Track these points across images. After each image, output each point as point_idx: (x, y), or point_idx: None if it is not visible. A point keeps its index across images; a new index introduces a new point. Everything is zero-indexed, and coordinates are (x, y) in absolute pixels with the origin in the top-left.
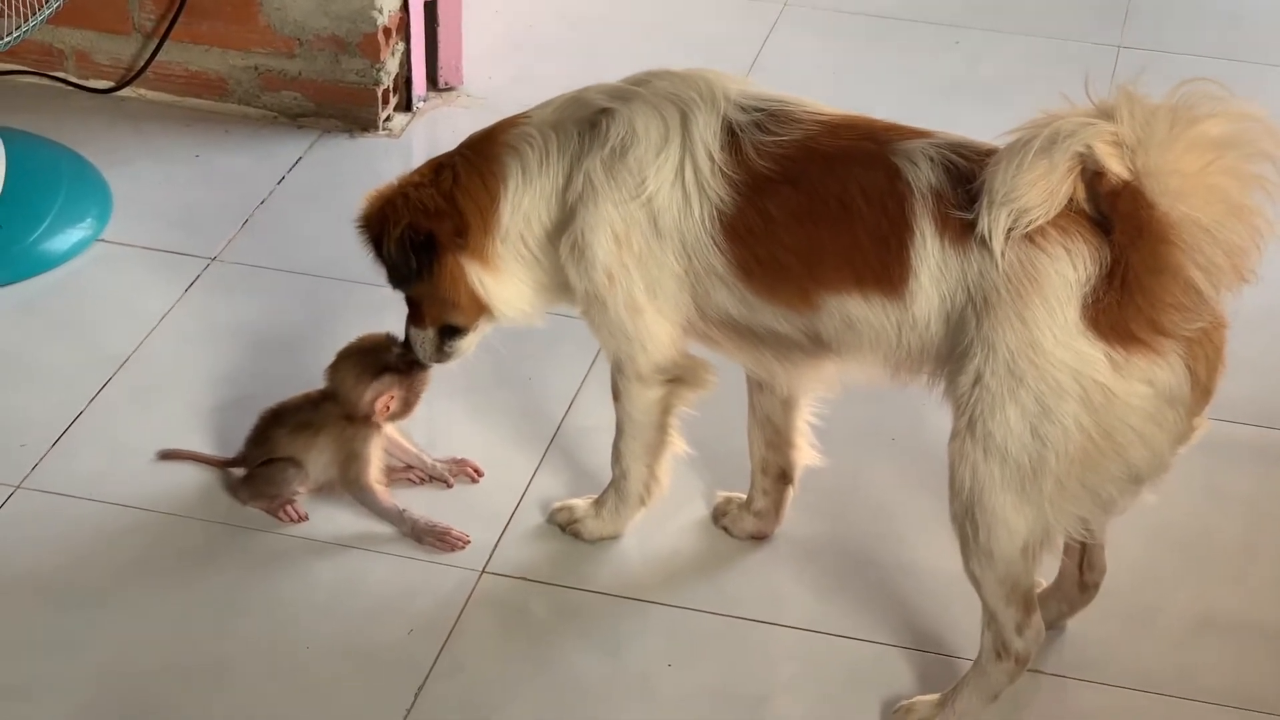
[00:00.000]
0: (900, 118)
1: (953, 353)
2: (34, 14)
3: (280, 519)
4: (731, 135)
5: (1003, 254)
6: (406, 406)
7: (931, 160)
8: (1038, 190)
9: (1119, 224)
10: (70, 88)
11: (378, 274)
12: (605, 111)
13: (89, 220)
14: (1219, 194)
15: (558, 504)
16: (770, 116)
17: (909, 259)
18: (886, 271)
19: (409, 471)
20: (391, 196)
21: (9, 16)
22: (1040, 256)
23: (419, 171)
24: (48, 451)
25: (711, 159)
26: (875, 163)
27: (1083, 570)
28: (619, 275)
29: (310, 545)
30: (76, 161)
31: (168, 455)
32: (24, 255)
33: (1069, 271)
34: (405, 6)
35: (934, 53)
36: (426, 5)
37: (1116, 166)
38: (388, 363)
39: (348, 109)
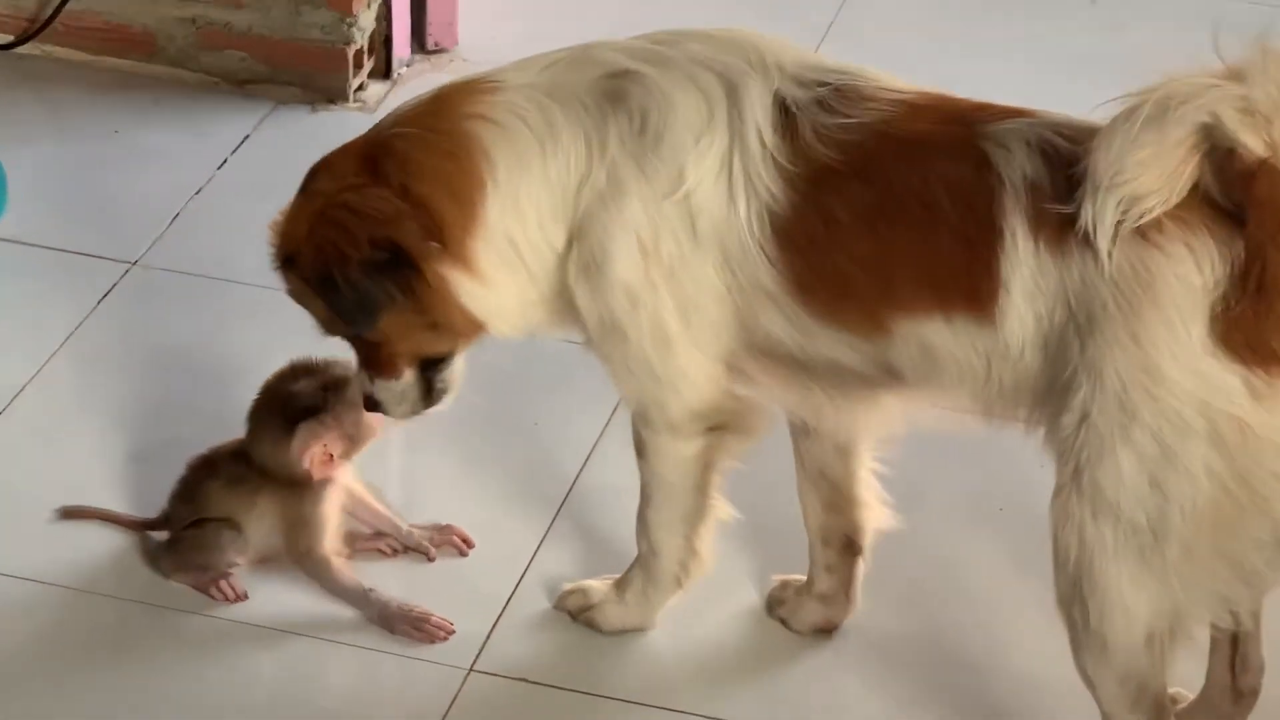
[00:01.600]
0: (1018, 100)
1: (1053, 387)
2: None
3: (212, 596)
4: (787, 116)
5: (1110, 254)
6: (353, 443)
7: (1028, 144)
8: (1151, 172)
9: (1255, 213)
10: None
11: (317, 318)
12: (628, 76)
13: None
14: None
15: (569, 585)
16: (835, 93)
17: (998, 269)
18: (973, 286)
19: (379, 540)
20: (322, 213)
21: None
22: (1156, 257)
23: (334, 171)
24: None
25: (764, 145)
26: (962, 151)
27: (1234, 671)
28: (644, 296)
29: (249, 631)
30: None
31: (71, 513)
32: None
33: (1193, 275)
34: None
35: (1062, 17)
36: None
37: (1251, 140)
38: (300, 405)
39: (310, 74)
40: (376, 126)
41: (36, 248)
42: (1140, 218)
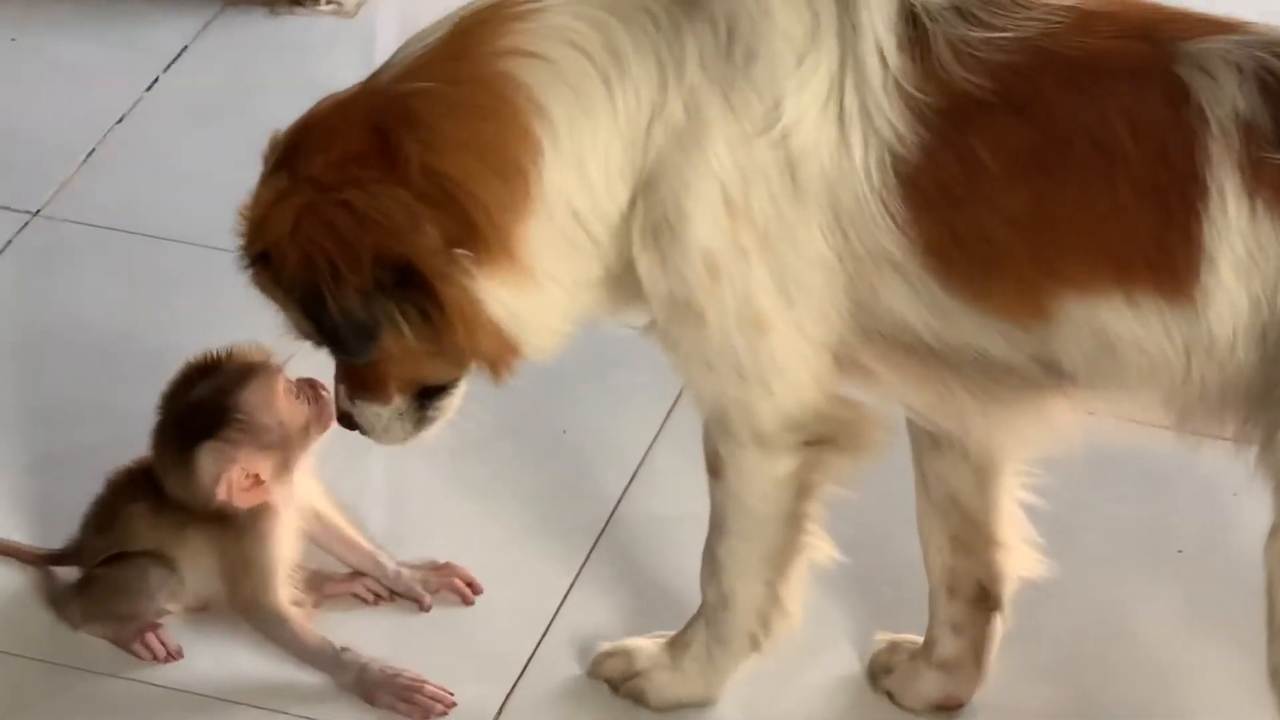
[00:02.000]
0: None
1: (1272, 393)
2: None
3: (136, 654)
4: (916, 27)
5: None
6: (286, 452)
7: (1239, 70)
8: None
9: None
10: None
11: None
12: None
13: None
14: None
15: (607, 646)
16: None
17: (1199, 236)
18: (1165, 257)
19: (355, 582)
20: (313, 209)
21: None
22: None
23: (331, 149)
24: None
25: (885, 67)
26: (1149, 76)
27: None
28: (730, 266)
29: (182, 700)
30: None
31: None
32: None
33: None
34: None
35: None
36: None
37: None
38: (197, 422)
39: None
40: (381, 76)
41: None
42: None
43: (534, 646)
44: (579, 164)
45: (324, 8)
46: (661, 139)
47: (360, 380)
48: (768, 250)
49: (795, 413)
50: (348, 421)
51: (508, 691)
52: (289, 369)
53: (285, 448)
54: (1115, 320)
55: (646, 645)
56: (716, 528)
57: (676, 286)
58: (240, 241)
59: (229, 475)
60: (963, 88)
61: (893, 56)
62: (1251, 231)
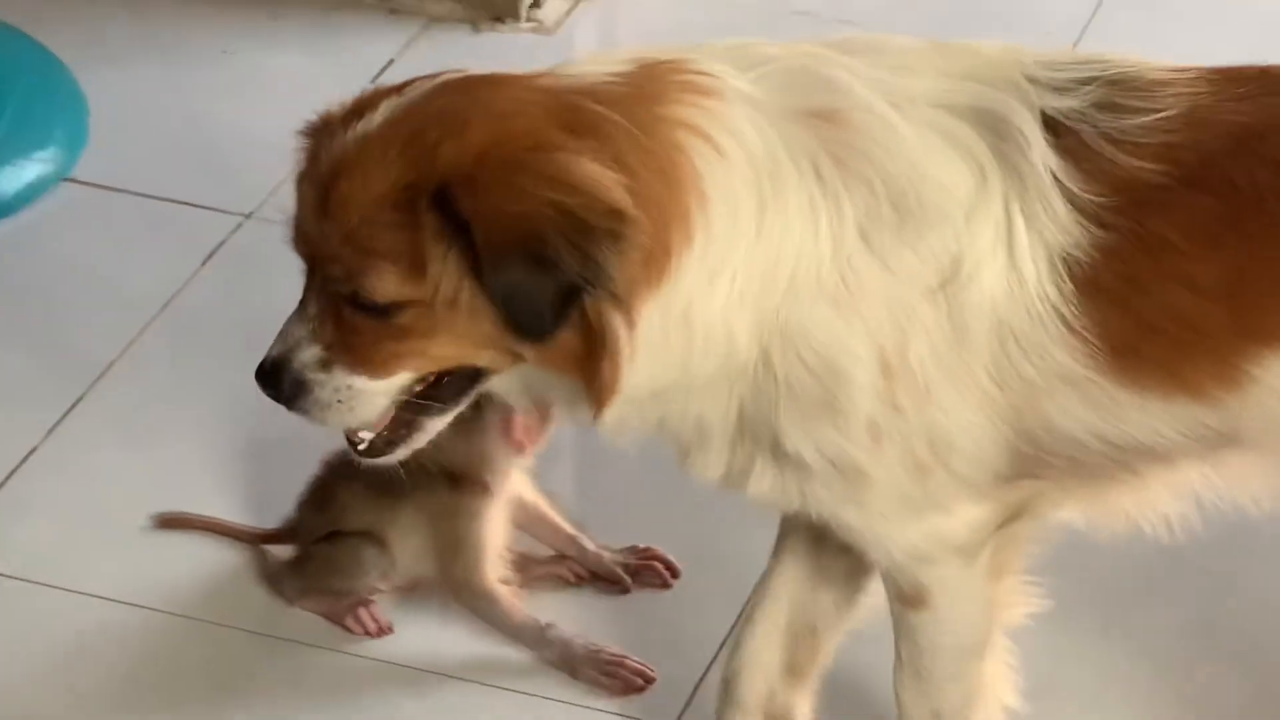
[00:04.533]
0: None
1: None
2: None
3: (348, 628)
4: (1067, 136)
5: None
6: (542, 419)
7: None
8: None
9: None
10: None
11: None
12: (856, 123)
13: (51, 149)
14: None
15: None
16: (1112, 88)
17: None
18: None
19: (559, 564)
20: (534, 165)
21: None
22: None
23: (528, 117)
24: None
25: (1057, 183)
26: None
27: None
28: (889, 425)
29: (393, 672)
30: (37, 56)
31: (169, 522)
32: None
33: None
34: None
35: None
36: None
37: None
38: None
39: None
40: (560, 82)
41: (125, 194)
42: None
43: (729, 628)
44: (713, 273)
45: (524, 25)
46: (807, 295)
47: (359, 345)
48: (926, 403)
49: (978, 516)
50: (269, 378)
51: (703, 672)
52: None
53: (542, 410)
54: None
55: None
56: (921, 666)
57: (836, 454)
58: (399, 162)
59: (517, 418)
60: (1135, 176)
61: (1060, 171)
62: None
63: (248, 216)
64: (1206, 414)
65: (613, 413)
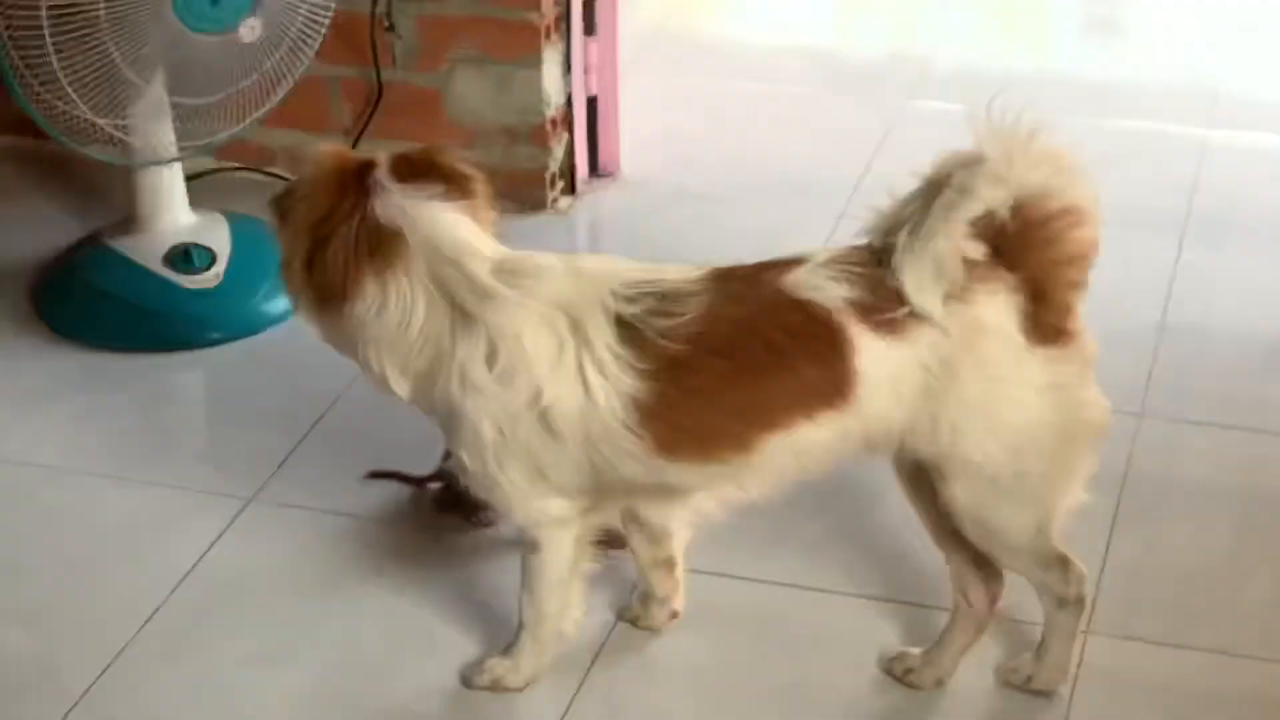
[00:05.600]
0: None
1: (914, 428)
2: (247, 117)
3: (476, 527)
4: (630, 329)
5: (944, 320)
6: None
7: (833, 279)
8: (951, 263)
9: (1025, 253)
10: (283, 181)
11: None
12: (488, 304)
13: None
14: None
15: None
16: (661, 299)
17: (855, 364)
18: (836, 386)
19: None
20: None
21: (226, 119)
22: (978, 308)
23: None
24: (273, 473)
25: (616, 357)
26: (778, 300)
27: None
28: (506, 459)
29: (496, 545)
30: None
31: (375, 475)
32: (247, 315)
33: (1005, 308)
34: (569, 102)
35: None
36: (588, 100)
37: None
38: None
39: (520, 190)
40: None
41: None
42: (958, 289)
43: None
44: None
45: (549, 212)
46: (444, 378)
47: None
48: (529, 455)
49: (569, 506)
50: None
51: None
52: None
53: None
54: (804, 436)
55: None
56: (533, 591)
57: (476, 470)
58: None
59: None
60: (673, 353)
61: (619, 350)
62: (882, 348)
63: None
64: (723, 470)
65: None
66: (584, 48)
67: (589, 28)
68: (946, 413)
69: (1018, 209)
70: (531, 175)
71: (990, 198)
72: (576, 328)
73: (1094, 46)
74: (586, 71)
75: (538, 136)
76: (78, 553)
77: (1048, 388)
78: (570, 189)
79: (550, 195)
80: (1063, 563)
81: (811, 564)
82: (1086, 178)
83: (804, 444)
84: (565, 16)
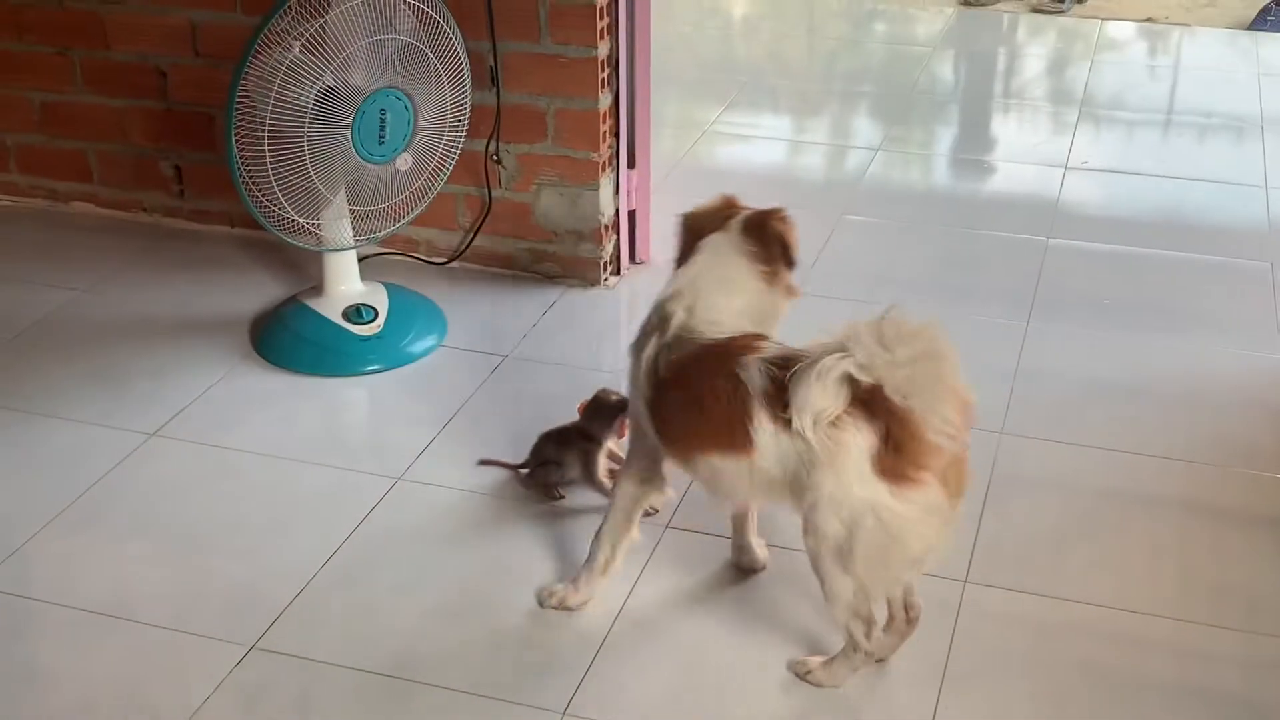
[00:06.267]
0: None
1: (795, 486)
2: (400, 219)
3: (550, 497)
4: (656, 361)
5: (814, 437)
6: None
7: (759, 370)
8: (825, 398)
9: (881, 410)
10: (423, 262)
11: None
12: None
13: (435, 334)
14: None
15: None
16: (674, 341)
17: (751, 431)
18: (740, 438)
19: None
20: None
21: (386, 220)
22: (842, 433)
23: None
24: (414, 460)
25: (654, 373)
26: (727, 373)
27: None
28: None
29: (582, 515)
30: (427, 302)
31: (484, 462)
32: (399, 352)
33: (861, 440)
34: (617, 213)
35: None
36: (630, 212)
37: (864, 377)
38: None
39: (583, 273)
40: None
41: (463, 350)
42: (828, 418)
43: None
44: None
45: (602, 288)
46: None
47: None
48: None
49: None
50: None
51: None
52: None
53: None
54: (720, 463)
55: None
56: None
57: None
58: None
59: (623, 420)
60: (664, 377)
61: (645, 373)
62: (773, 431)
63: (506, 356)
64: (685, 467)
65: None
66: (627, 177)
67: (631, 163)
68: (809, 490)
69: (879, 387)
70: (590, 263)
71: (855, 374)
72: (640, 351)
73: (968, 173)
74: (628, 192)
75: (595, 236)
76: (278, 513)
77: (882, 509)
78: (616, 272)
79: (603, 276)
80: (868, 623)
81: None
82: (950, 357)
83: (720, 469)
84: (615, 156)
